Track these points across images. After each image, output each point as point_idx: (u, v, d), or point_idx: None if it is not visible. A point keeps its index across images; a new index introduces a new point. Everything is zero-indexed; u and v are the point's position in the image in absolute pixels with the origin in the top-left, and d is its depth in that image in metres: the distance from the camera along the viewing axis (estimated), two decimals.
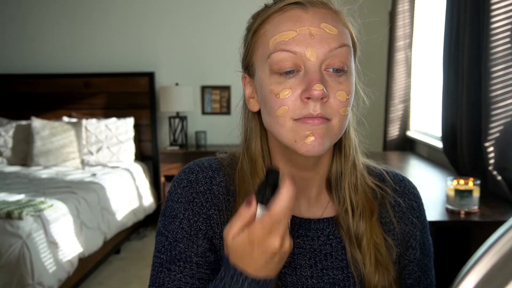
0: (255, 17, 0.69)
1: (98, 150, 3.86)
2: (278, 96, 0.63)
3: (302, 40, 0.62)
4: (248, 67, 0.70)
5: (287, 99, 0.63)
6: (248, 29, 0.70)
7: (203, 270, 0.69)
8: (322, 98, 0.61)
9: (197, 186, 0.72)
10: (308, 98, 0.62)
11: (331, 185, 0.74)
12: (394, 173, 0.81)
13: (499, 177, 1.76)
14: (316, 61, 0.62)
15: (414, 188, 0.81)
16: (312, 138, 0.63)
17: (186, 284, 0.68)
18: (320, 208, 0.75)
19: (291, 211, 0.56)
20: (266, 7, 0.68)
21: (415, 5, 3.26)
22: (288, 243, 0.56)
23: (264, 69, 0.65)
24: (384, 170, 0.80)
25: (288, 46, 0.62)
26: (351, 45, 0.66)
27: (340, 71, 0.63)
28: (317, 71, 0.62)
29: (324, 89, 0.61)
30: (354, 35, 0.68)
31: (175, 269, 0.69)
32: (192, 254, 0.69)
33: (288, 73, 0.63)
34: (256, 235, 0.55)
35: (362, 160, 0.78)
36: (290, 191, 0.55)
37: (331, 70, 0.63)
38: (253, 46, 0.68)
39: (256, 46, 0.67)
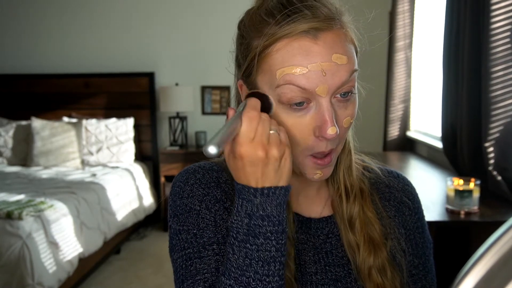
0: (253, 26, 0.65)
1: (98, 150, 3.86)
2: (290, 129, 0.63)
3: (314, 77, 0.60)
4: (249, 82, 0.67)
5: (301, 136, 0.64)
6: (247, 43, 0.65)
7: None
8: None
9: (207, 183, 0.71)
10: (322, 137, 0.63)
11: None
12: (389, 170, 0.82)
13: (499, 177, 1.77)
14: (327, 96, 0.61)
15: (408, 184, 0.82)
16: (321, 175, 0.67)
17: None
18: (320, 204, 0.76)
19: (265, 123, 0.59)
20: (267, 21, 0.62)
21: (415, 5, 3.26)
22: (275, 151, 0.59)
23: (272, 96, 0.64)
24: (378, 167, 0.81)
25: (298, 82, 0.60)
26: (357, 65, 0.65)
27: (348, 94, 0.64)
28: (330, 109, 0.62)
29: (337, 130, 0.62)
30: (356, 42, 0.66)
31: (208, 254, 0.66)
32: (224, 235, 0.67)
33: (298, 104, 0.62)
34: (238, 151, 0.59)
35: (357, 156, 0.79)
36: (251, 105, 0.59)
37: (339, 95, 0.63)
38: (257, 67, 0.64)
39: (261, 69, 0.64)
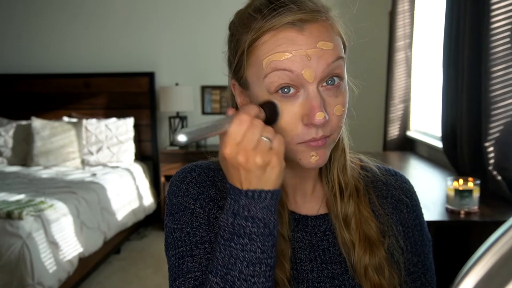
0: (242, 23, 0.66)
1: (98, 150, 3.86)
2: (279, 119, 0.64)
3: (299, 61, 0.61)
4: (240, 79, 0.68)
5: (289, 124, 0.63)
6: (236, 39, 0.67)
7: None
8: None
9: (202, 181, 0.72)
10: (311, 123, 0.63)
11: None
12: (386, 168, 0.82)
13: (499, 177, 1.77)
14: (314, 81, 0.62)
15: (406, 182, 0.82)
16: (316, 158, 0.66)
17: None
18: (316, 202, 0.76)
19: (254, 129, 0.58)
20: (255, 17, 0.64)
21: (415, 5, 3.26)
22: (258, 159, 0.58)
23: (262, 88, 0.64)
24: (376, 165, 0.81)
25: (284, 65, 0.61)
26: (344, 54, 0.66)
27: (336, 82, 0.64)
28: (317, 96, 0.62)
29: (326, 115, 0.62)
30: (343, 34, 0.67)
31: (199, 253, 0.67)
32: (217, 234, 0.68)
33: (287, 92, 0.62)
34: (222, 151, 0.59)
35: (355, 156, 0.80)
36: (245, 109, 0.59)
37: (327, 84, 0.63)
38: (246, 62, 0.65)
39: (249, 63, 0.65)
